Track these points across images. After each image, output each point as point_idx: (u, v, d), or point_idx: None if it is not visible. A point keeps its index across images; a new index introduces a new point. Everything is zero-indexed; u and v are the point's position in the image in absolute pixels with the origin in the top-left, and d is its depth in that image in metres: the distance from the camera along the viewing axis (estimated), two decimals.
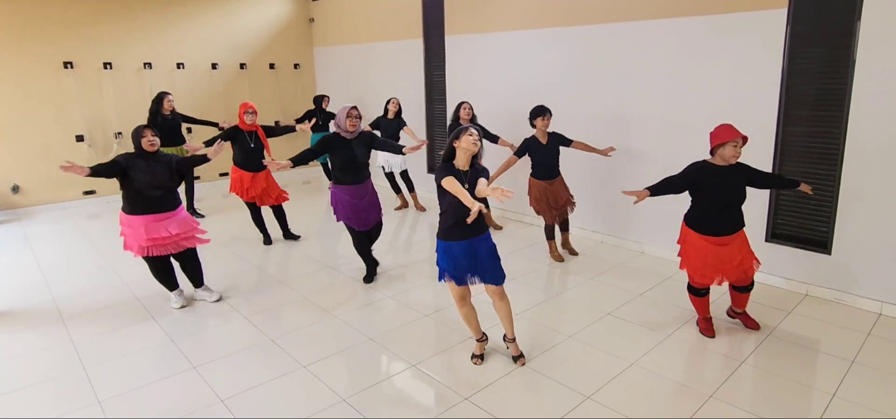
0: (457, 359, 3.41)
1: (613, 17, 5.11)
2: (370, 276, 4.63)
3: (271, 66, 8.75)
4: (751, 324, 3.71)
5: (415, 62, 7.32)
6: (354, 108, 4.31)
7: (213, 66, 8.18)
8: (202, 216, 6.74)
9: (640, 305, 4.12)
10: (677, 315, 3.94)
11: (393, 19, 7.54)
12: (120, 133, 7.41)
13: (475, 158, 3.10)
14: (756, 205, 4.44)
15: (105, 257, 5.31)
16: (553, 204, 4.93)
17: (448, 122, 5.95)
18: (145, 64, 7.59)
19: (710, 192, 3.34)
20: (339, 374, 3.24)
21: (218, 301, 4.25)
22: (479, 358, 3.36)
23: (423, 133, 7.39)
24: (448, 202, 3.06)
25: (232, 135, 5.28)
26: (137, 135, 3.89)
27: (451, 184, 2.89)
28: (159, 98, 6.30)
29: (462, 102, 5.72)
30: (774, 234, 4.42)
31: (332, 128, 4.40)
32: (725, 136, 3.27)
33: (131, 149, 3.93)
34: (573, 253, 5.20)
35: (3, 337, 3.75)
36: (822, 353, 3.46)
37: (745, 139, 3.30)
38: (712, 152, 3.38)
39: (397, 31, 7.51)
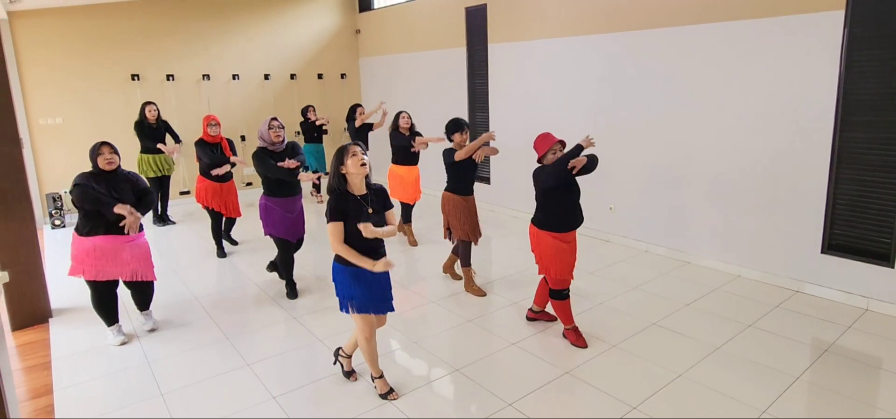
0: (500, 365, 3.45)
1: (660, 23, 5.05)
2: (293, 293, 4.54)
3: (319, 76, 9.05)
4: (551, 318, 3.95)
5: (458, 71, 7.42)
6: (275, 119, 4.33)
7: (266, 76, 8.54)
8: (173, 222, 7.10)
9: (686, 316, 4.04)
10: (727, 327, 3.84)
11: (437, 29, 7.67)
12: (180, 141, 7.83)
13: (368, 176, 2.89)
14: (811, 215, 4.28)
15: (164, 258, 5.63)
16: (469, 221, 4.51)
17: (389, 131, 5.86)
18: (204, 75, 8.01)
19: (560, 193, 3.52)
20: (386, 376, 3.32)
21: (151, 331, 3.98)
22: (393, 391, 3.09)
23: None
24: (354, 226, 2.77)
25: (196, 147, 5.45)
26: (94, 153, 3.58)
27: (340, 244, 2.77)
28: (142, 108, 6.67)
29: (401, 112, 5.77)
30: (831, 246, 4.25)
31: (259, 141, 4.38)
32: (545, 145, 3.52)
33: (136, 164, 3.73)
34: (456, 277, 4.81)
35: (75, 332, 4.05)
36: (885, 371, 3.30)
37: (562, 143, 3.53)
38: (541, 161, 3.58)
39: (441, 41, 7.63)
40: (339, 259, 2.90)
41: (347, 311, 2.95)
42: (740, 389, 3.11)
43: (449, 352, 3.61)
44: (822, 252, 4.27)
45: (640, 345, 3.63)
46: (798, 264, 4.41)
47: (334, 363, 3.37)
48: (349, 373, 3.29)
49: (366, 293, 2.89)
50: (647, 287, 4.60)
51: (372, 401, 3.08)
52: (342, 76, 9.32)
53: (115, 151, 3.66)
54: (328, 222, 2.78)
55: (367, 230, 2.70)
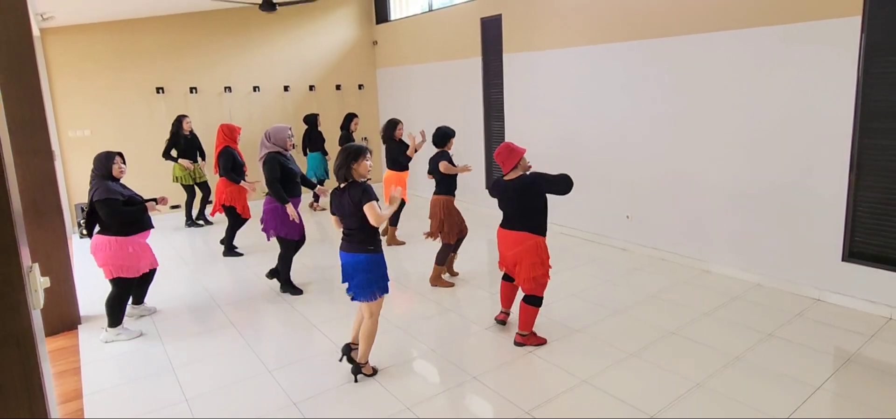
0: (517, 373, 3.47)
1: (676, 31, 5.05)
2: (294, 291, 4.92)
3: (338, 87, 9.19)
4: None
5: (473, 80, 7.49)
6: (290, 128, 4.85)
7: (286, 88, 8.70)
8: (210, 223, 7.54)
9: (705, 325, 4.02)
10: (747, 336, 3.81)
11: (452, 40, 7.75)
12: (205, 156, 8.02)
13: None
14: (831, 222, 4.24)
15: (188, 266, 5.77)
16: (458, 221, 4.89)
17: (381, 135, 6.19)
18: (226, 88, 8.20)
19: (545, 199, 3.75)
20: (403, 384, 3.37)
21: (141, 318, 4.43)
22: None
23: (482, 148, 7.51)
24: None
25: (230, 155, 5.90)
26: (109, 161, 3.93)
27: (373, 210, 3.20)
28: (179, 120, 7.02)
29: (398, 121, 6.06)
30: (853, 254, 4.19)
31: (268, 148, 4.74)
32: (519, 150, 3.68)
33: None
34: (454, 273, 5.16)
35: None
36: None
37: None
38: (516, 167, 3.70)
39: (456, 51, 7.71)
40: (372, 250, 3.28)
41: (376, 297, 3.30)
42: (760, 399, 3.09)
43: (466, 360, 3.64)
44: (844, 260, 4.21)
45: (658, 353, 3.62)
46: (819, 272, 4.36)
47: (356, 380, 3.41)
48: (373, 373, 3.50)
49: (386, 275, 3.38)
50: (665, 295, 4.59)
51: (392, 406, 3.13)
52: (360, 87, 9.45)
53: (124, 161, 4.08)
54: (367, 203, 3.18)
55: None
